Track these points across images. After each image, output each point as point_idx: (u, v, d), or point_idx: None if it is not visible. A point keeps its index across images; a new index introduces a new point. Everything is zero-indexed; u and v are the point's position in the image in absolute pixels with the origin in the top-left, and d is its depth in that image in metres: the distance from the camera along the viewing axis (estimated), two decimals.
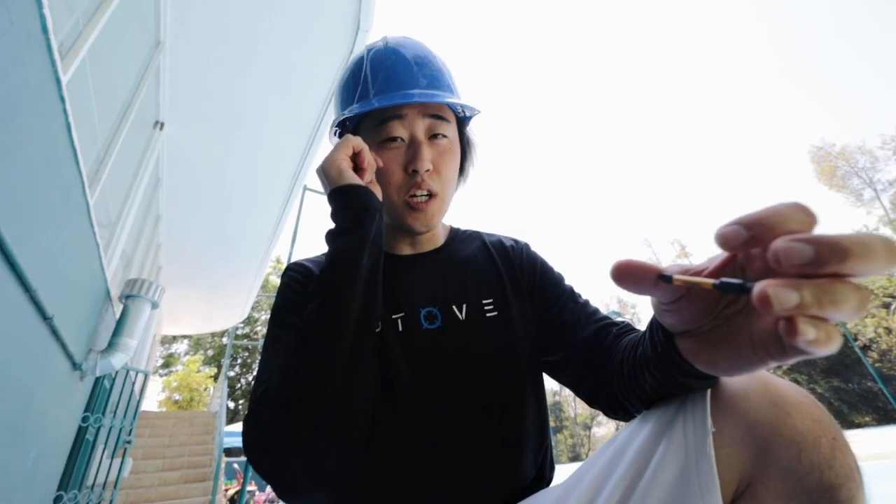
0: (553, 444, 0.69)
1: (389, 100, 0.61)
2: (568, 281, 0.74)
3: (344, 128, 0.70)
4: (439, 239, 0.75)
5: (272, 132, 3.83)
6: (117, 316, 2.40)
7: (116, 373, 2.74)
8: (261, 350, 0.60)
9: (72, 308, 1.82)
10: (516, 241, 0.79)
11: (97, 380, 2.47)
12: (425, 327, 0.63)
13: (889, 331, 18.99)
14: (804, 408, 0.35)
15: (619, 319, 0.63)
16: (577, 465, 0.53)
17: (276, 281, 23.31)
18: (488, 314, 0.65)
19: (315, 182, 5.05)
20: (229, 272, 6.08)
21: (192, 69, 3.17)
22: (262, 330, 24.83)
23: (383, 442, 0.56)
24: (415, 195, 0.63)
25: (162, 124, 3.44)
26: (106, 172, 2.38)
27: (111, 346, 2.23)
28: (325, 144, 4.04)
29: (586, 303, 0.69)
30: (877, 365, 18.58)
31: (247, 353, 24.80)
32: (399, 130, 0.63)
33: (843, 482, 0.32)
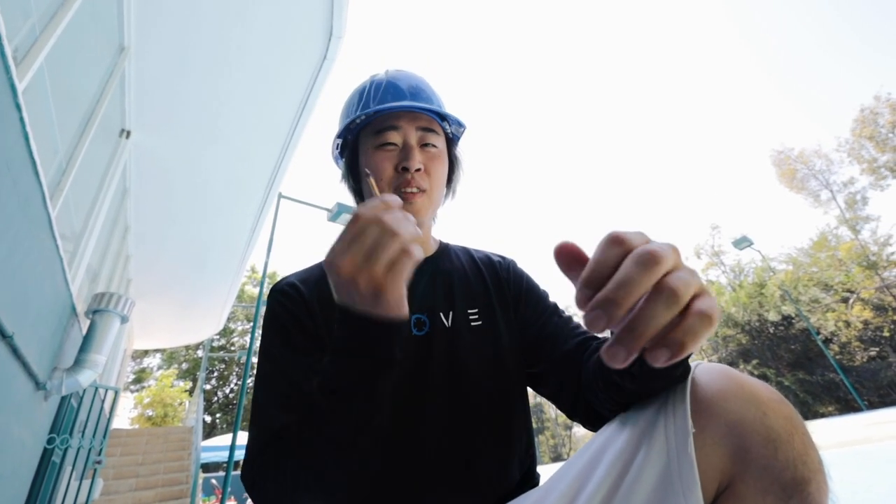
0: (535, 444, 0.72)
1: (386, 102, 0.70)
2: (552, 298, 0.78)
3: (345, 143, 0.77)
4: (429, 248, 0.78)
5: (245, 140, 3.76)
6: (84, 332, 2.31)
7: (84, 391, 2.63)
8: (253, 386, 0.59)
9: (34, 325, 1.75)
10: (503, 258, 0.84)
11: (63, 399, 2.36)
12: (414, 333, 0.65)
13: (848, 324, 20.00)
14: (777, 406, 0.38)
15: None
16: (559, 465, 0.55)
17: (252, 291, 22.72)
18: (473, 323, 0.69)
19: (290, 189, 4.97)
20: (203, 283, 5.91)
21: (160, 76, 3.09)
22: (238, 341, 24.12)
23: (373, 447, 0.56)
24: (405, 190, 0.67)
25: (128, 133, 3.34)
26: (69, 183, 2.29)
27: (78, 363, 2.14)
28: (300, 151, 4.00)
29: (569, 318, 0.73)
30: (838, 357, 19.51)
31: (223, 366, 24.05)
32: (394, 137, 0.69)
33: (813, 475, 0.35)
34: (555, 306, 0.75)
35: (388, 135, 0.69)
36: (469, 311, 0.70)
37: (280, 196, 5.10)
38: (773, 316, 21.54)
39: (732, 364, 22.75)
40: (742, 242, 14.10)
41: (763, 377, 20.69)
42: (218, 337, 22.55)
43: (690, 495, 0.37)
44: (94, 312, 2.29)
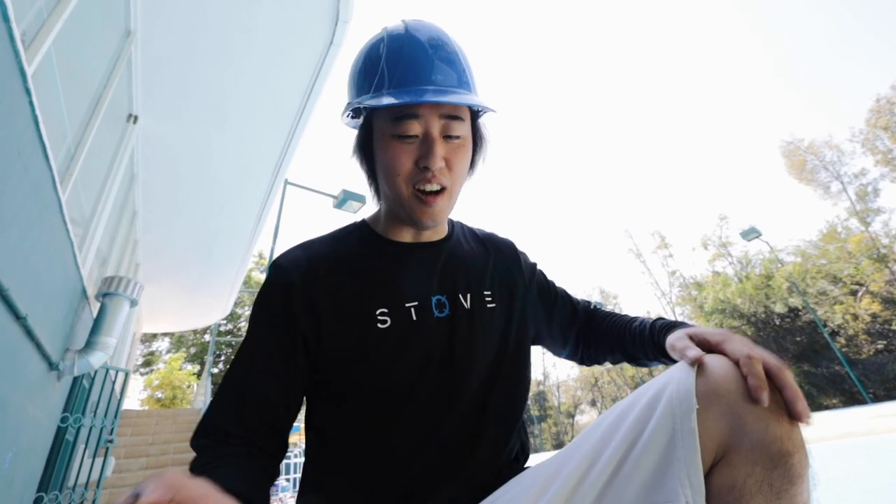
0: (538, 432, 0.78)
1: (405, 95, 0.59)
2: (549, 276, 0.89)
3: (356, 109, 0.68)
4: (442, 230, 0.76)
5: (251, 126, 3.76)
6: (94, 314, 2.35)
7: (96, 372, 2.69)
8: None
9: (46, 307, 1.78)
10: (504, 239, 0.85)
11: (76, 379, 2.42)
12: (436, 315, 0.66)
13: (856, 317, 19.84)
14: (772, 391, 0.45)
15: (604, 307, 0.87)
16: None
17: (258, 277, 22.92)
18: (488, 305, 0.71)
19: (297, 175, 4.98)
20: (210, 268, 5.98)
21: (167, 61, 3.08)
22: (245, 326, 24.33)
23: (401, 426, 0.61)
24: (425, 189, 0.63)
25: (136, 118, 3.34)
26: (78, 168, 2.31)
27: (89, 344, 2.19)
28: (306, 137, 3.99)
29: (562, 290, 0.86)
30: (844, 350, 19.41)
31: (230, 350, 24.43)
32: (414, 129, 0.61)
33: (796, 450, 0.42)
34: (552, 283, 0.85)
35: (408, 125, 0.61)
36: (485, 292, 0.71)
37: (286, 182, 5.11)
38: (779, 308, 21.40)
39: None
40: (750, 233, 13.95)
41: None
42: (225, 322, 22.83)
43: (691, 462, 0.43)
44: (105, 296, 2.33)
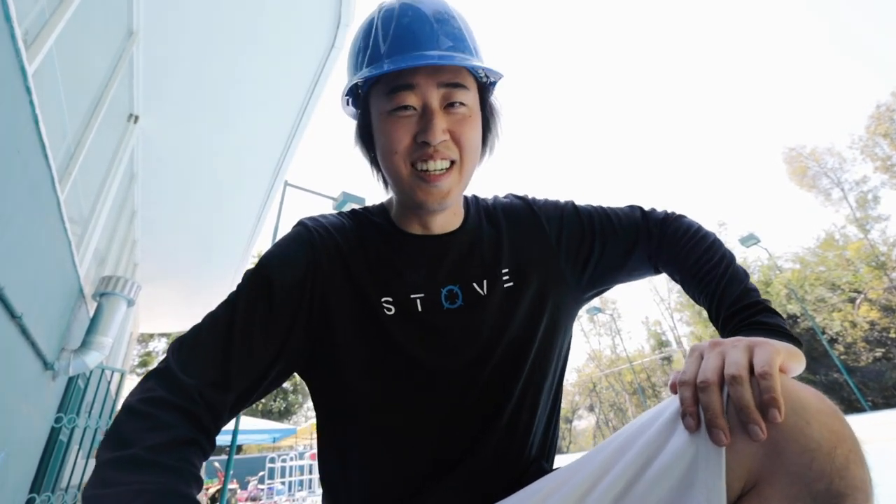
0: None
1: (402, 62, 0.53)
2: (583, 201, 0.76)
3: (356, 96, 0.63)
4: (456, 219, 0.68)
5: (252, 127, 3.76)
6: (91, 314, 2.34)
7: (91, 372, 2.67)
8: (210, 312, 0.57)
9: (42, 306, 1.77)
10: (519, 203, 0.74)
11: (71, 379, 2.40)
12: (446, 307, 0.61)
13: (854, 325, 19.85)
14: (825, 418, 0.36)
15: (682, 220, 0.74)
16: (561, 457, 0.56)
17: None
18: (506, 285, 0.64)
19: (296, 177, 4.98)
20: (209, 268, 5.96)
21: (168, 61, 3.08)
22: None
23: (404, 422, 0.58)
24: (427, 168, 0.56)
25: (136, 117, 3.34)
26: (77, 167, 2.30)
27: (85, 344, 2.18)
28: (307, 139, 3.99)
29: (617, 221, 0.73)
30: (843, 357, 19.41)
31: None
32: (410, 100, 0.55)
33: (851, 492, 0.33)
34: (592, 219, 0.72)
35: (403, 96, 0.55)
36: (502, 272, 0.65)
37: (286, 184, 5.10)
38: None
39: None
40: (749, 240, 13.97)
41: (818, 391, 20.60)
42: None
43: (714, 487, 0.37)
44: (101, 295, 2.32)
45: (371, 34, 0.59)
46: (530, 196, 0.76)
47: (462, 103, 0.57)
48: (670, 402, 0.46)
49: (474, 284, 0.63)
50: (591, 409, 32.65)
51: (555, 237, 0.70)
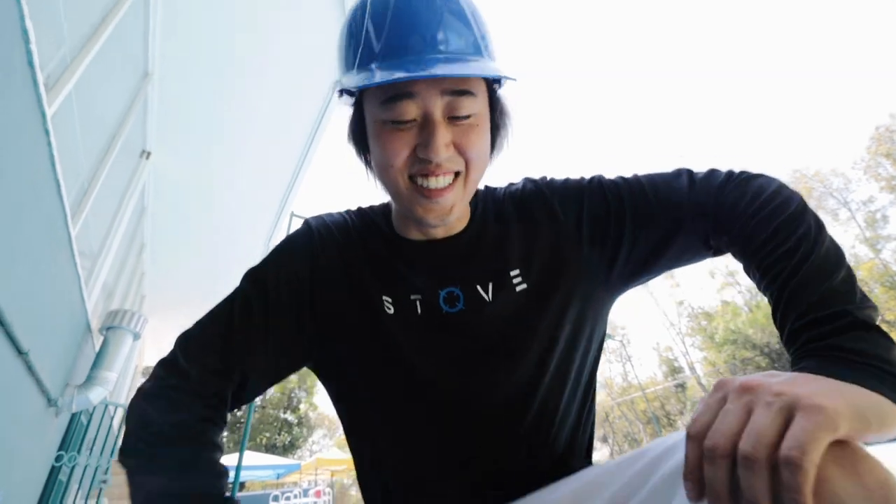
0: None
1: (397, 68, 0.46)
2: (613, 175, 0.62)
3: (351, 92, 0.56)
4: (461, 222, 0.61)
5: (260, 160, 3.86)
6: (97, 348, 2.34)
7: (94, 408, 2.64)
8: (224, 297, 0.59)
9: (49, 342, 1.77)
10: (532, 190, 0.64)
11: (74, 416, 2.37)
12: (445, 311, 0.56)
13: None
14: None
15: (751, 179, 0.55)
16: None
17: None
18: (517, 288, 0.57)
19: (302, 206, 5.05)
20: (215, 299, 5.96)
21: (180, 99, 3.21)
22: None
23: (402, 434, 0.57)
24: (428, 185, 0.50)
25: (148, 153, 3.45)
26: (90, 203, 2.36)
27: (89, 379, 2.16)
28: (313, 171, 4.09)
29: (658, 193, 0.57)
30: None
31: None
32: (410, 111, 0.48)
33: None
34: (619, 195, 0.58)
35: (401, 108, 0.48)
36: (511, 273, 0.57)
37: (292, 215, 5.18)
38: None
39: None
40: None
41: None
42: None
43: None
44: (108, 329, 2.32)
45: (363, 22, 0.51)
46: (547, 178, 0.65)
47: (468, 115, 0.49)
48: (680, 444, 0.39)
49: (478, 287, 0.57)
50: (604, 440, 31.48)
51: (574, 224, 0.59)
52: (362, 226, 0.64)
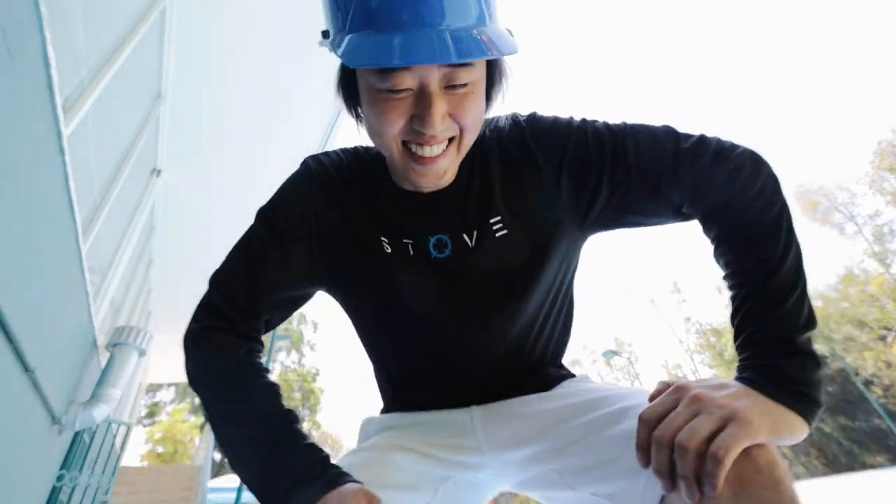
0: None
1: (390, 46, 0.43)
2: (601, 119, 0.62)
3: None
4: (453, 176, 0.61)
5: (268, 179, 3.89)
6: (103, 365, 2.33)
7: (97, 426, 2.62)
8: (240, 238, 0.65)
9: (56, 358, 1.78)
10: (517, 134, 0.63)
11: (76, 434, 2.35)
12: (434, 256, 0.61)
13: (889, 364, 18.81)
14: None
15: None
16: None
17: None
18: (498, 234, 0.61)
19: None
20: None
21: (192, 119, 3.29)
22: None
23: (398, 343, 0.68)
24: (422, 153, 0.51)
25: (159, 171, 3.52)
26: (101, 220, 2.40)
27: (94, 397, 2.15)
28: None
29: (640, 150, 0.57)
30: (882, 401, 18.14)
31: None
32: (406, 82, 0.47)
33: None
34: (613, 152, 0.57)
35: (397, 78, 0.46)
36: (491, 221, 0.61)
37: None
38: None
39: None
40: None
41: None
42: None
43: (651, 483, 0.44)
44: (114, 346, 2.32)
45: None
46: (535, 118, 0.65)
47: (465, 83, 0.48)
48: (643, 398, 0.50)
49: (464, 235, 0.61)
50: None
51: (554, 171, 0.60)
52: (359, 168, 0.68)
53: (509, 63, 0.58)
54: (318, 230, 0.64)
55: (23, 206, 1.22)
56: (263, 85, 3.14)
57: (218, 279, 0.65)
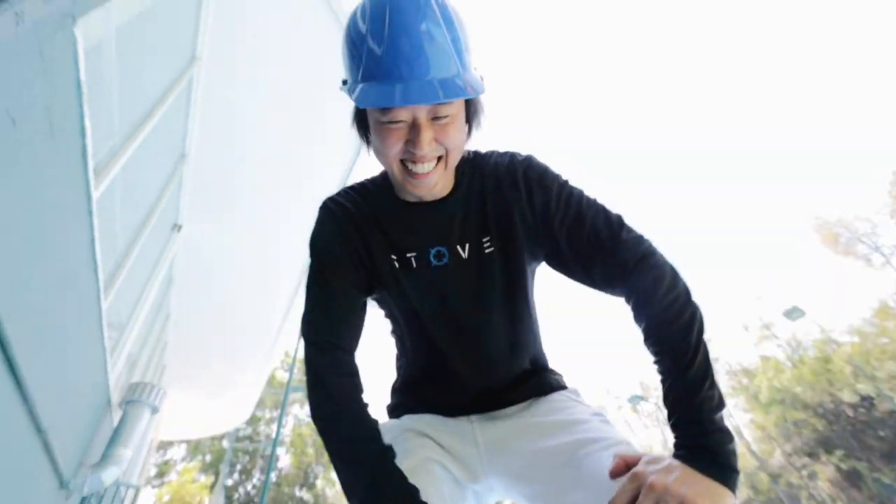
0: None
1: (384, 97, 0.60)
2: (575, 191, 0.79)
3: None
4: (446, 188, 0.79)
5: (282, 232, 4.02)
6: (115, 423, 2.29)
7: (106, 489, 2.53)
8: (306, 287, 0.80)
9: (68, 419, 1.75)
10: (507, 164, 0.81)
11: (84, 498, 2.27)
12: (434, 264, 0.78)
13: None
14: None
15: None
16: None
17: (282, 376, 22.50)
18: (486, 251, 0.78)
19: None
20: (235, 368, 5.93)
21: (213, 177, 3.45)
22: (264, 430, 23.34)
23: (416, 350, 0.86)
24: (415, 170, 0.68)
25: (180, 227, 3.64)
26: (122, 276, 2.46)
27: (104, 458, 2.09)
28: None
29: (595, 217, 0.74)
30: None
31: (247, 458, 22.98)
32: (401, 116, 0.64)
33: None
34: (577, 210, 0.75)
35: (395, 113, 0.63)
36: (483, 239, 0.78)
37: None
38: (848, 396, 18.96)
39: (811, 455, 19.74)
40: (794, 313, 13.15)
41: (854, 472, 17.73)
42: (244, 426, 21.89)
43: None
44: (128, 403, 2.29)
45: (360, 37, 0.63)
46: (530, 161, 0.81)
47: (447, 115, 0.65)
48: (593, 431, 0.73)
49: (458, 248, 0.78)
50: None
51: (537, 211, 0.77)
52: (369, 196, 0.84)
53: (482, 100, 0.75)
54: (352, 252, 0.80)
55: (48, 269, 1.25)
56: (282, 142, 3.30)
57: (308, 325, 0.77)
